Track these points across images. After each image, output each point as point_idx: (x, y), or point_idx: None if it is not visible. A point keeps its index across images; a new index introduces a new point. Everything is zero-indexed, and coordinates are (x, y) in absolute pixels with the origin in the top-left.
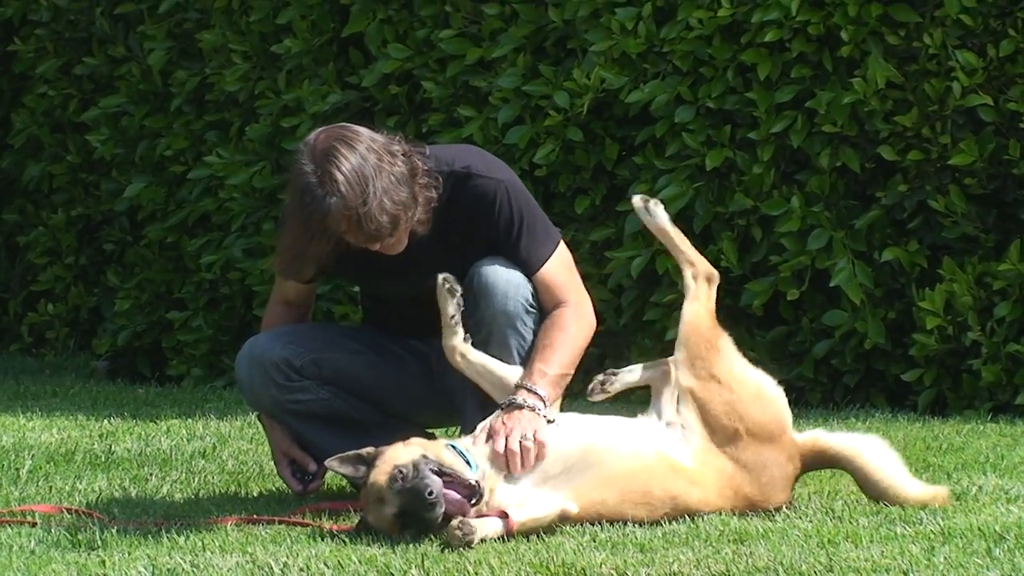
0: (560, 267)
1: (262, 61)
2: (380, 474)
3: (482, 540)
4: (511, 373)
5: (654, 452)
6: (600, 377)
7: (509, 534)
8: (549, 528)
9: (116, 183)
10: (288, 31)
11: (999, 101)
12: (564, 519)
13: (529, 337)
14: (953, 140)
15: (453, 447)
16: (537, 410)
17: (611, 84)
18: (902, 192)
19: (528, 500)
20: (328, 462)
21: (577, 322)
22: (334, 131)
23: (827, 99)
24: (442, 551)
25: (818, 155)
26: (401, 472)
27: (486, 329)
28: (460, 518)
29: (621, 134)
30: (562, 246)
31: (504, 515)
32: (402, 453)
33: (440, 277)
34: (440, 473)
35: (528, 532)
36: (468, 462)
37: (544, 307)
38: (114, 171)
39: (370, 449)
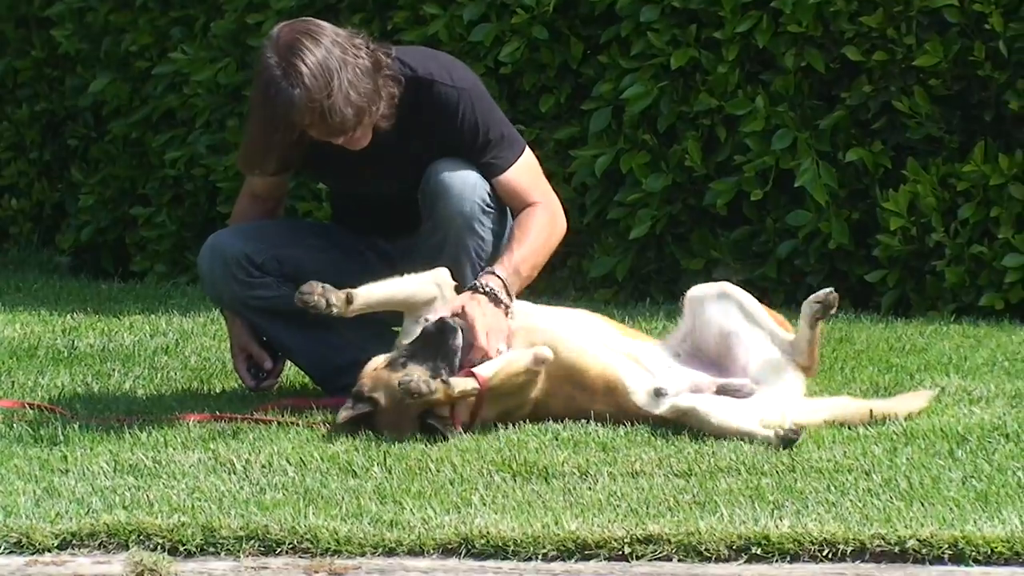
0: (526, 172)
1: None
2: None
3: (461, 394)
4: (411, 284)
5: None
6: None
7: (485, 389)
8: (529, 377)
9: (80, 78)
10: None
11: (964, 2)
12: (541, 362)
13: (488, 238)
14: (918, 41)
15: None
16: (499, 298)
17: None
18: (867, 93)
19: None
20: (340, 423)
21: (546, 219)
22: (298, 25)
23: None
24: (404, 449)
25: (783, 55)
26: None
27: (442, 231)
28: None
29: (586, 33)
30: (527, 152)
31: (471, 374)
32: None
33: (306, 286)
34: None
35: (503, 383)
36: None
37: (513, 212)
38: (79, 66)
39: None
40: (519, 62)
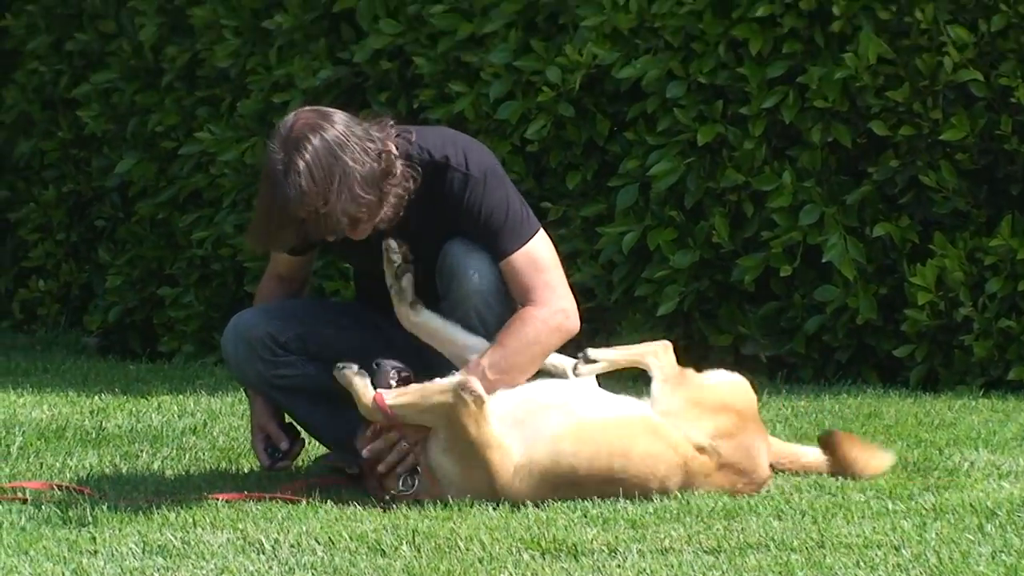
0: (528, 261)
1: (253, 37)
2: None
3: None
4: (470, 341)
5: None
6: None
7: (386, 415)
8: (455, 408)
9: (107, 159)
10: (279, 6)
11: (990, 76)
12: (465, 389)
13: (507, 315)
14: (944, 115)
15: None
16: None
17: (603, 59)
18: (893, 167)
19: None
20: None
21: (537, 326)
22: (311, 118)
23: (819, 74)
24: (431, 528)
25: (809, 130)
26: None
27: (461, 309)
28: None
29: (612, 110)
30: (536, 241)
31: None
32: None
33: (384, 243)
34: None
35: (407, 413)
36: None
37: (514, 299)
38: (105, 147)
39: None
40: (545, 139)
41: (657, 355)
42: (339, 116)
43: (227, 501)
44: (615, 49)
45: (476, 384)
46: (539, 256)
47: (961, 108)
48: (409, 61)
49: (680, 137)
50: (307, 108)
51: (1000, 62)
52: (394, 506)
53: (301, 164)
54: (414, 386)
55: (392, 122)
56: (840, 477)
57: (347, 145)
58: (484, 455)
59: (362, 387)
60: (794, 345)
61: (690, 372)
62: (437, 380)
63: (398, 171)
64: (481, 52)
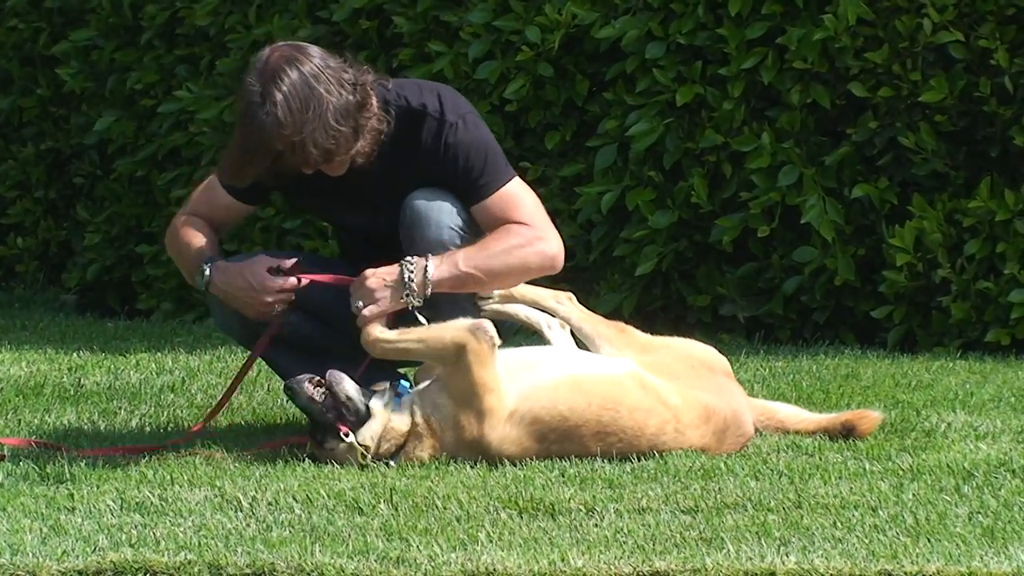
0: (510, 202)
1: None
2: None
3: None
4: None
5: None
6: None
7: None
8: (466, 346)
9: (86, 117)
10: None
11: (970, 38)
12: (481, 330)
13: None
14: (924, 77)
15: (400, 383)
16: (405, 280)
17: (582, 20)
18: (872, 129)
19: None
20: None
21: (525, 242)
22: (287, 51)
23: (798, 35)
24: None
25: (788, 91)
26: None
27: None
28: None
29: (592, 70)
30: (514, 183)
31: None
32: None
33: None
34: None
35: (416, 347)
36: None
37: None
38: (84, 105)
39: None
40: (524, 99)
41: (561, 302)
42: (315, 50)
43: (205, 458)
44: (594, 9)
45: (490, 327)
46: (518, 195)
47: (940, 70)
48: (388, 20)
49: (659, 98)
50: (283, 42)
51: (980, 24)
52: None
53: (278, 95)
54: (421, 328)
55: (368, 68)
56: (818, 437)
57: (322, 77)
58: (482, 396)
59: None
60: (772, 306)
61: (630, 329)
62: (451, 321)
63: (373, 104)
64: (460, 11)
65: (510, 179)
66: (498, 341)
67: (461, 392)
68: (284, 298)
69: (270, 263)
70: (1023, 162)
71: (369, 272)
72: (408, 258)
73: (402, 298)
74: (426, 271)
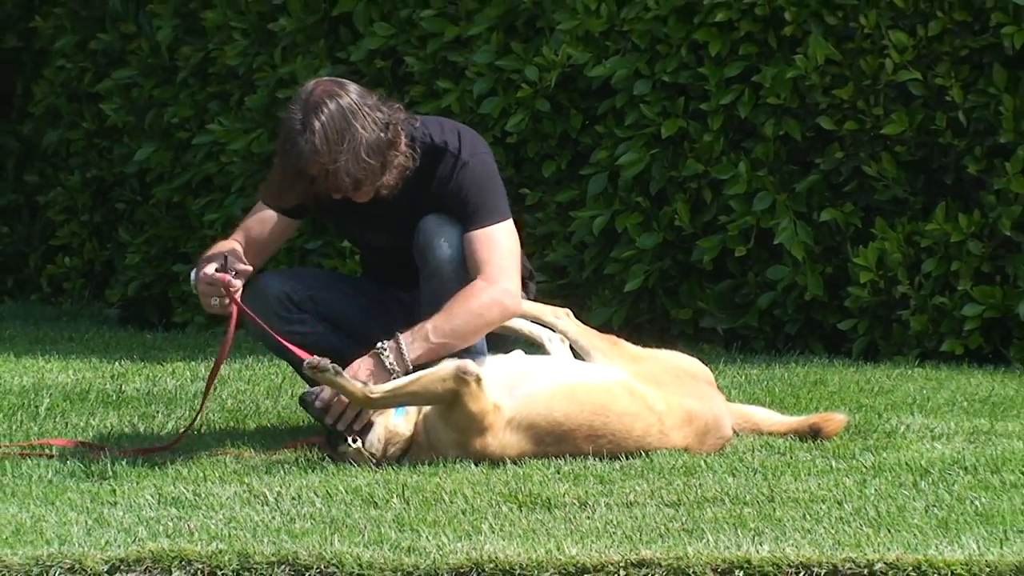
0: (487, 241)
1: (260, 38)
2: None
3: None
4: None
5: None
6: None
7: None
8: (457, 391)
9: (127, 148)
10: (283, 10)
11: (927, 76)
12: (465, 373)
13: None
14: (885, 112)
15: None
16: (383, 361)
17: (576, 60)
18: (839, 159)
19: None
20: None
21: (485, 300)
22: (329, 86)
23: (771, 74)
24: (420, 482)
25: (763, 124)
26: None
27: (436, 279)
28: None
29: (584, 105)
30: (501, 228)
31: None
32: None
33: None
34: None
35: (408, 400)
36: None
37: (468, 271)
38: (125, 137)
39: None
40: (523, 132)
41: (559, 317)
42: (354, 87)
43: (235, 457)
44: (587, 50)
45: (472, 365)
46: (499, 239)
47: (900, 105)
48: (401, 60)
49: (645, 130)
50: (326, 78)
51: (936, 64)
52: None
53: (316, 125)
54: (408, 377)
55: (400, 107)
56: (789, 438)
57: (358, 113)
58: (482, 421)
59: (346, 382)
60: (748, 319)
61: (622, 341)
62: (431, 369)
63: (402, 143)
64: (466, 52)
65: (499, 222)
66: (483, 375)
67: (462, 423)
68: (219, 292)
69: (219, 263)
70: (975, 189)
71: (355, 366)
72: (380, 345)
73: (391, 377)
74: (402, 353)
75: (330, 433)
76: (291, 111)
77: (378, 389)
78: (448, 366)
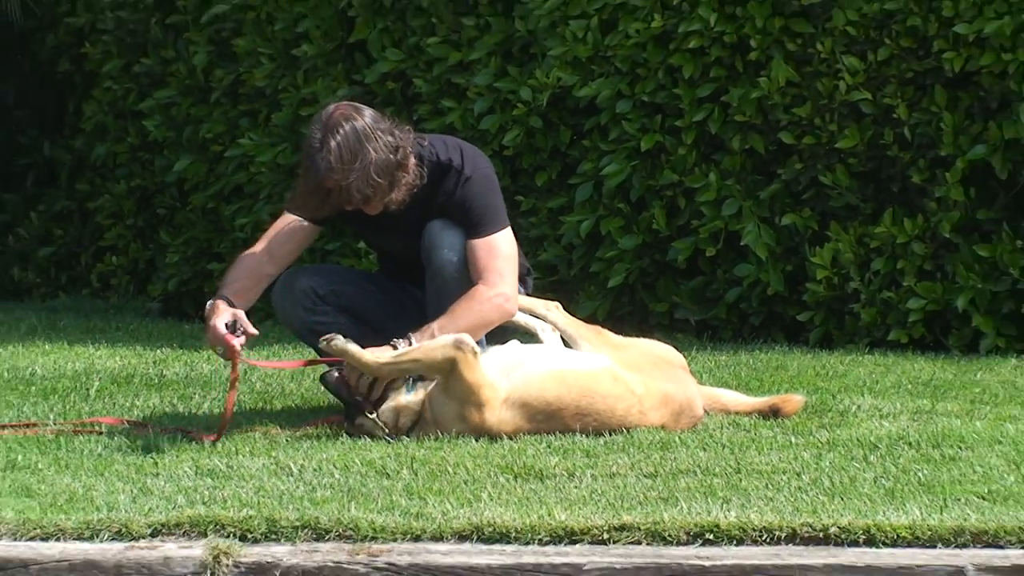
0: (487, 249)
1: (284, 62)
2: None
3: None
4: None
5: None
6: None
7: (376, 369)
8: (455, 359)
9: (167, 160)
10: (305, 37)
11: (877, 96)
12: (463, 344)
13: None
14: (839, 128)
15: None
16: None
17: (565, 82)
18: (798, 169)
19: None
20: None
21: (485, 303)
22: (346, 110)
23: (738, 94)
24: (427, 455)
25: (731, 139)
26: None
27: (440, 277)
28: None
29: (573, 122)
30: (499, 236)
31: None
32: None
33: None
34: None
35: (411, 367)
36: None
37: (470, 274)
38: (165, 150)
39: None
40: (519, 146)
41: (550, 309)
42: (369, 112)
43: (263, 433)
44: (575, 73)
45: (469, 339)
46: (498, 246)
47: (853, 122)
48: (410, 82)
49: (627, 144)
50: (345, 102)
51: (884, 85)
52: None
53: (332, 144)
54: (414, 346)
55: (410, 128)
56: (754, 417)
57: (371, 136)
58: (478, 393)
59: (354, 351)
60: (717, 311)
61: (606, 331)
62: (434, 340)
63: (411, 164)
64: (467, 75)
65: (498, 230)
66: (479, 349)
67: (460, 393)
68: (223, 352)
69: (228, 320)
70: (919, 196)
71: (371, 350)
72: (394, 341)
73: None
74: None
75: (348, 407)
76: (312, 130)
77: (384, 356)
78: (447, 338)
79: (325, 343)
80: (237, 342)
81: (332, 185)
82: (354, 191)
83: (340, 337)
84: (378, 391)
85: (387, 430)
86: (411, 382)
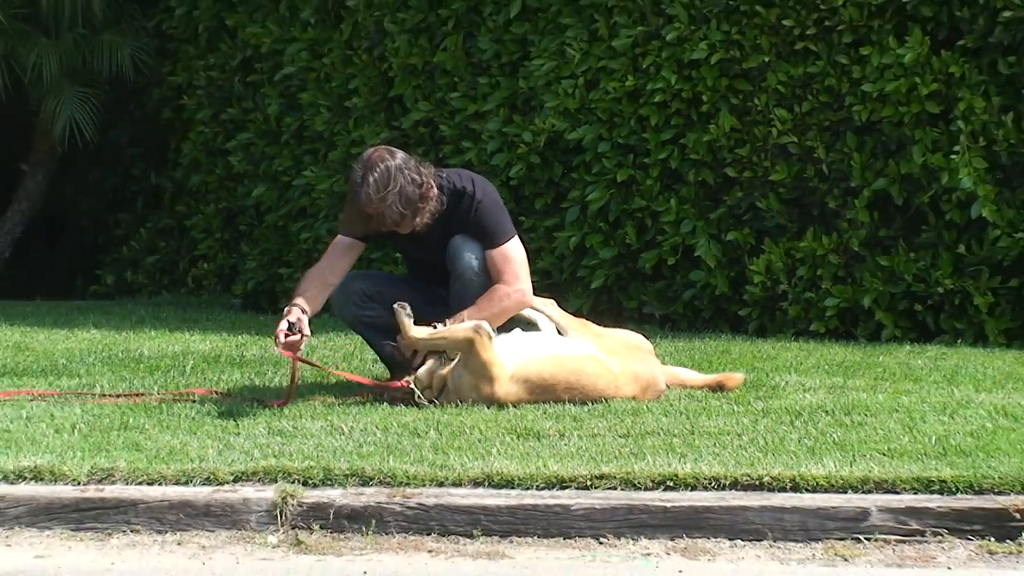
0: (501, 257)
1: (339, 111)
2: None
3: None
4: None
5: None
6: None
7: (414, 341)
8: (473, 340)
9: (247, 187)
10: (355, 93)
11: (801, 140)
12: (481, 328)
13: (488, 284)
14: (772, 164)
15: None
16: None
17: (558, 128)
18: (739, 197)
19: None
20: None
21: (503, 298)
22: (382, 152)
23: (693, 138)
24: (450, 419)
25: (687, 173)
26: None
27: (461, 281)
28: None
29: (564, 159)
30: (510, 245)
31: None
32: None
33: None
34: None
35: (439, 343)
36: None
37: (489, 277)
38: (245, 180)
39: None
40: (522, 177)
41: (546, 305)
42: (400, 154)
43: (321, 402)
44: (566, 121)
45: (487, 325)
46: (510, 253)
47: (783, 160)
48: (437, 127)
49: (606, 177)
50: (382, 145)
51: (807, 131)
52: (401, 404)
53: (371, 179)
54: (442, 328)
55: (431, 165)
56: (705, 391)
57: (401, 173)
58: (490, 369)
59: (407, 323)
60: (676, 307)
61: (590, 323)
62: (460, 324)
63: (432, 197)
64: (482, 122)
65: (509, 240)
66: (494, 334)
67: (476, 368)
68: (283, 349)
69: (293, 319)
70: (834, 218)
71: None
72: (434, 323)
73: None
74: None
75: (394, 369)
76: (355, 168)
77: (423, 332)
78: (470, 323)
79: (399, 306)
80: (294, 339)
81: (371, 211)
82: (387, 216)
83: (407, 308)
84: (419, 359)
85: (422, 387)
86: (442, 358)
